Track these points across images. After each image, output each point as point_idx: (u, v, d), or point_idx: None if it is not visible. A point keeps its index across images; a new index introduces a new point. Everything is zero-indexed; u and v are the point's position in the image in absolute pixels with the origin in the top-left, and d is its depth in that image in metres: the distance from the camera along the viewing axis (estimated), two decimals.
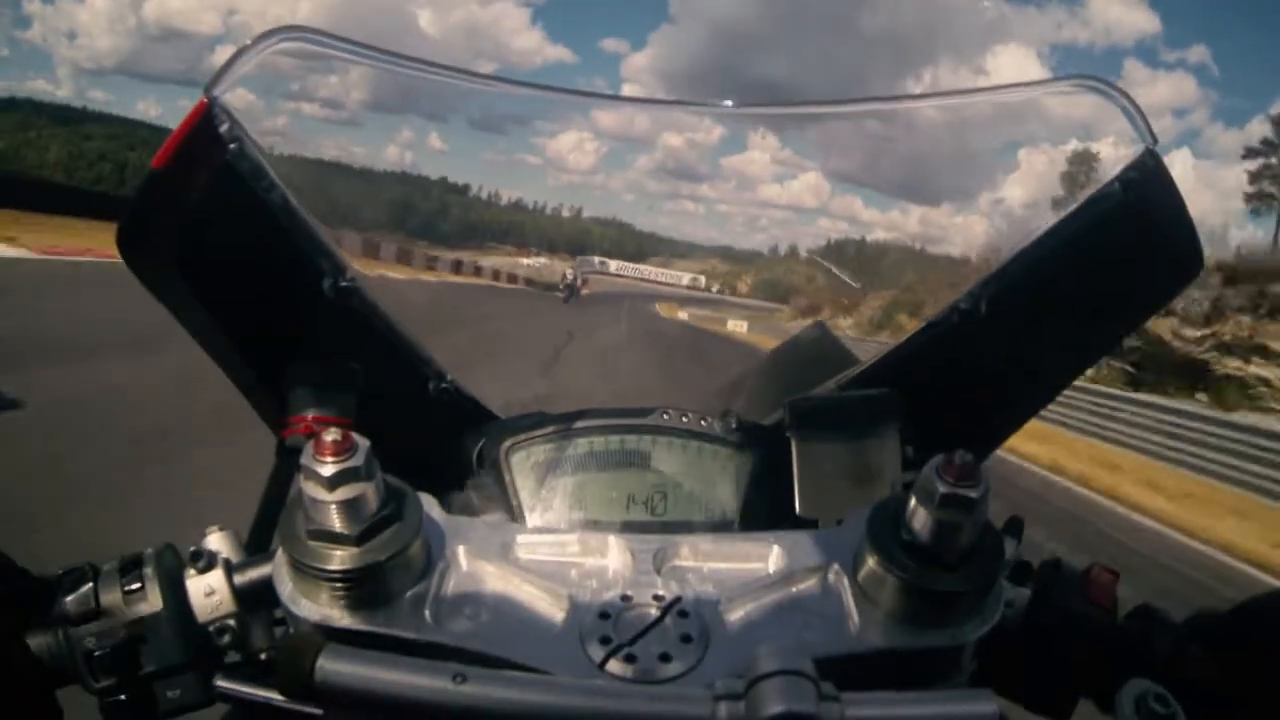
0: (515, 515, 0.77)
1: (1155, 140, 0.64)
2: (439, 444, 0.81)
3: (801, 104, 0.79)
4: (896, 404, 0.69)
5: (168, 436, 4.73)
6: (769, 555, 0.53)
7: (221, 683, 0.51)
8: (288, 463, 0.66)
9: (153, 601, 0.52)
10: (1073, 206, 0.68)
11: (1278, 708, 0.51)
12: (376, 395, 0.71)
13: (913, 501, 0.47)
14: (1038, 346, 0.77)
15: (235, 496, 0.73)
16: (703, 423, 0.82)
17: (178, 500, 3.52)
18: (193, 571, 0.54)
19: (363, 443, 0.47)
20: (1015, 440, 0.82)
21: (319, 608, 0.47)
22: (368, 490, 0.46)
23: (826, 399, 0.69)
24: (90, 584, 0.52)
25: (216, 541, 0.57)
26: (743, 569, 0.52)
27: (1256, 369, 16.27)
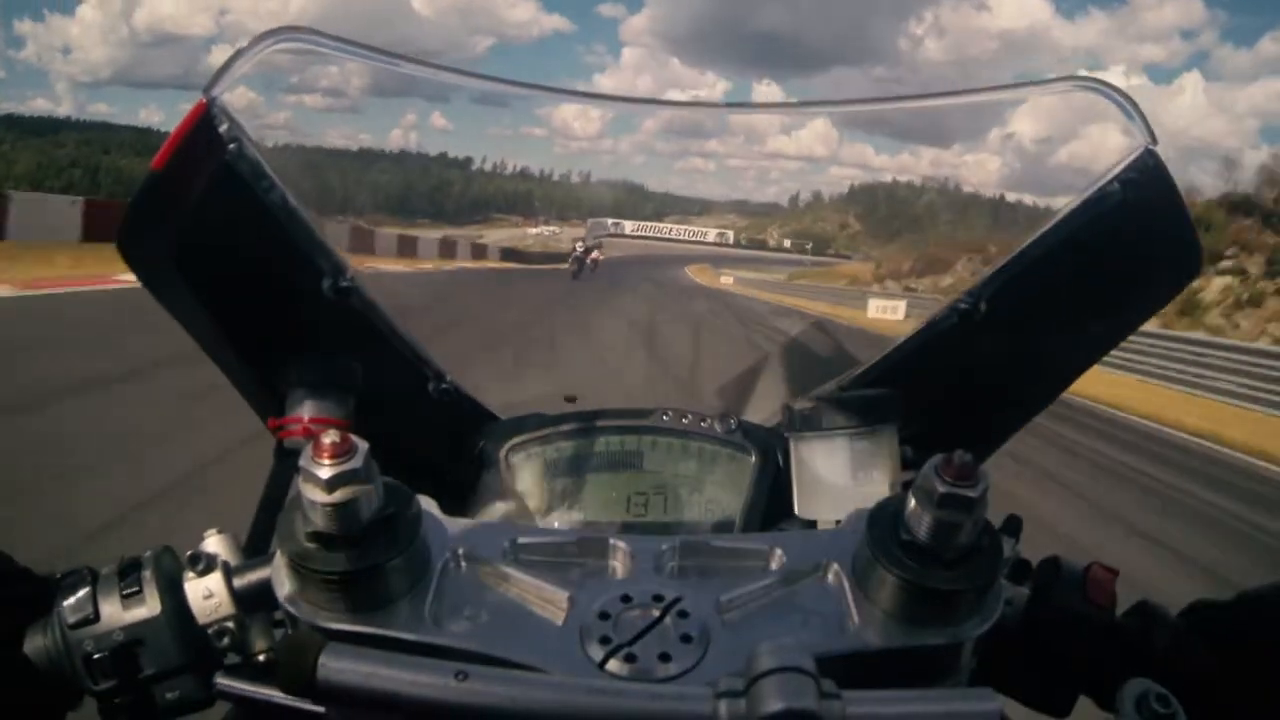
0: (515, 516, 0.77)
1: (1154, 140, 0.65)
2: (439, 445, 0.81)
3: (802, 103, 0.79)
4: (896, 404, 0.70)
5: None
6: (769, 555, 0.53)
7: (222, 681, 0.51)
8: (286, 465, 0.66)
9: (151, 605, 0.52)
10: (1072, 206, 0.69)
11: (1278, 705, 0.51)
12: (376, 396, 0.71)
13: (912, 501, 0.47)
14: (1037, 346, 0.77)
15: None
16: (702, 423, 0.82)
17: None
18: (191, 574, 0.54)
19: (361, 445, 0.47)
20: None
21: (318, 609, 0.47)
22: (367, 492, 0.46)
23: (826, 399, 0.69)
24: (88, 588, 0.52)
25: (215, 544, 0.57)
26: (743, 569, 0.53)
27: None
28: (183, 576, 0.54)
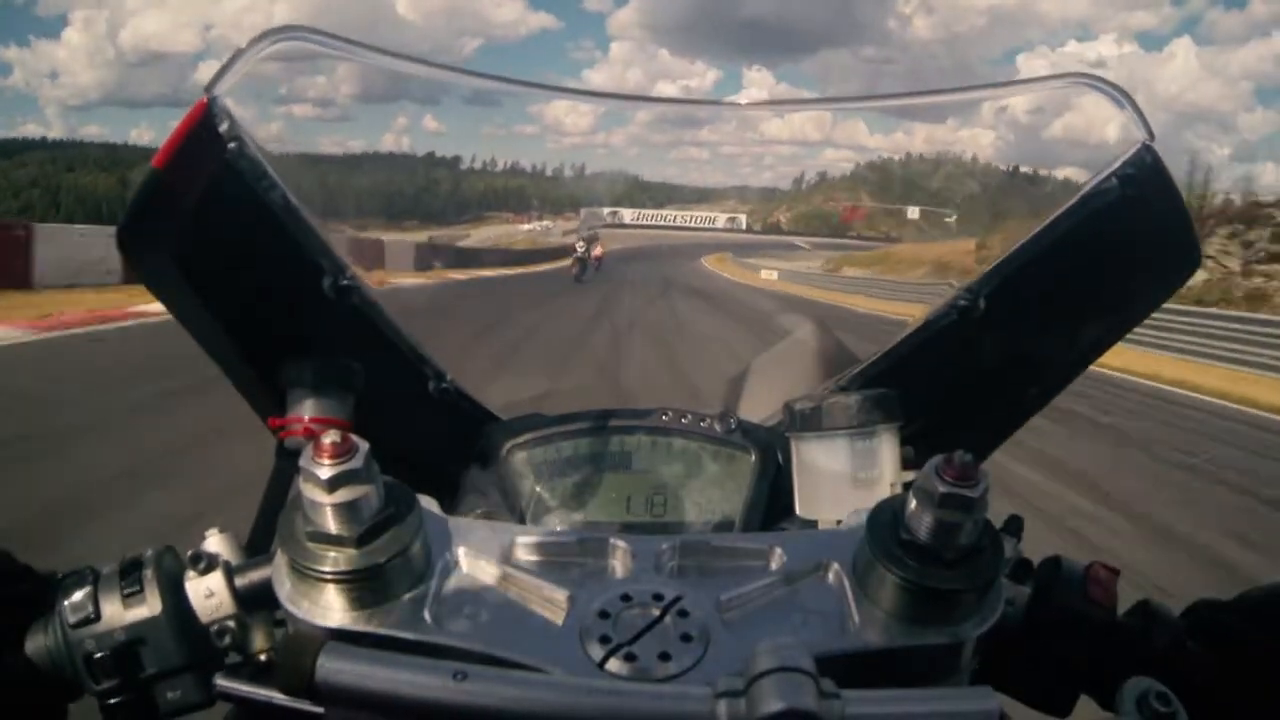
0: (515, 516, 0.77)
1: (1152, 136, 0.65)
2: (439, 445, 0.81)
3: (802, 102, 0.80)
4: (896, 404, 0.70)
5: None
6: (769, 555, 0.53)
7: (222, 682, 0.51)
8: (287, 464, 0.66)
9: (152, 604, 0.52)
10: (1070, 202, 0.69)
11: (1278, 705, 0.51)
12: (376, 395, 0.71)
13: (912, 501, 0.47)
14: (1037, 343, 0.77)
15: None
16: (702, 423, 0.82)
17: None
18: (192, 574, 0.54)
19: (362, 444, 0.47)
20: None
21: (319, 609, 0.47)
22: (367, 492, 0.46)
23: (826, 399, 0.69)
24: (90, 587, 0.52)
25: (215, 544, 0.57)
26: (743, 569, 0.53)
27: None
28: (184, 576, 0.54)
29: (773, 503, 0.77)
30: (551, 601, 0.49)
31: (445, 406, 0.82)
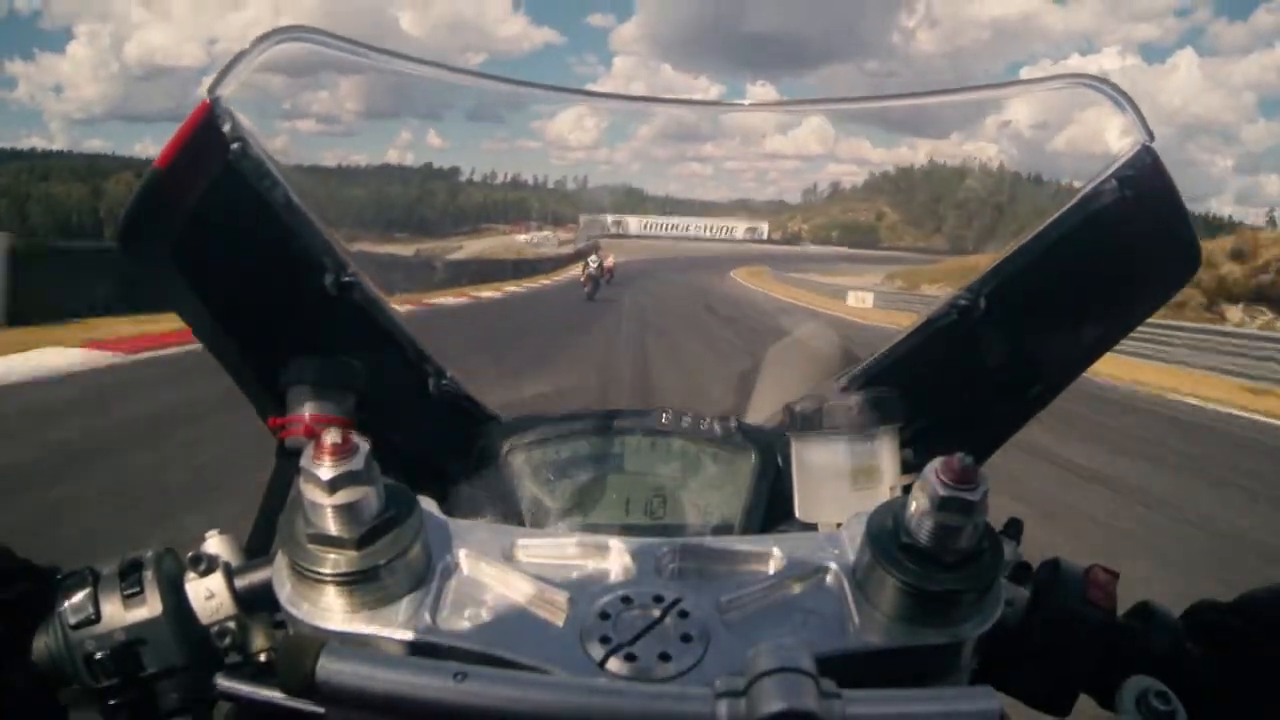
0: (515, 517, 0.77)
1: (1152, 136, 0.65)
2: (439, 445, 0.81)
3: (800, 102, 0.80)
4: (896, 405, 0.70)
5: None
6: (769, 557, 0.53)
7: (222, 682, 0.51)
8: (287, 465, 0.66)
9: (152, 605, 0.52)
10: (1070, 203, 0.69)
11: (1278, 705, 0.51)
12: (377, 394, 0.72)
13: (912, 504, 0.47)
14: (1037, 344, 0.77)
15: None
16: (702, 425, 0.82)
17: None
18: (192, 575, 0.54)
19: (363, 445, 0.47)
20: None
21: (319, 610, 0.47)
22: (367, 493, 0.46)
23: (826, 400, 0.69)
24: (90, 588, 0.52)
25: (216, 545, 0.57)
26: (743, 570, 0.53)
27: None
28: (184, 577, 0.54)
29: (773, 504, 0.77)
30: (551, 603, 0.49)
31: (446, 406, 0.82)
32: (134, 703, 0.52)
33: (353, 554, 0.46)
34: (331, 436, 0.46)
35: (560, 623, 0.48)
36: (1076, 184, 0.70)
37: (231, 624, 0.53)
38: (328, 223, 0.70)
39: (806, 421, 0.70)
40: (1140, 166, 0.65)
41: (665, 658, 0.45)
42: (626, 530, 0.78)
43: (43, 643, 0.51)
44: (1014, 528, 0.62)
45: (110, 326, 10.56)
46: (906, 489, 0.50)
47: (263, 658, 0.54)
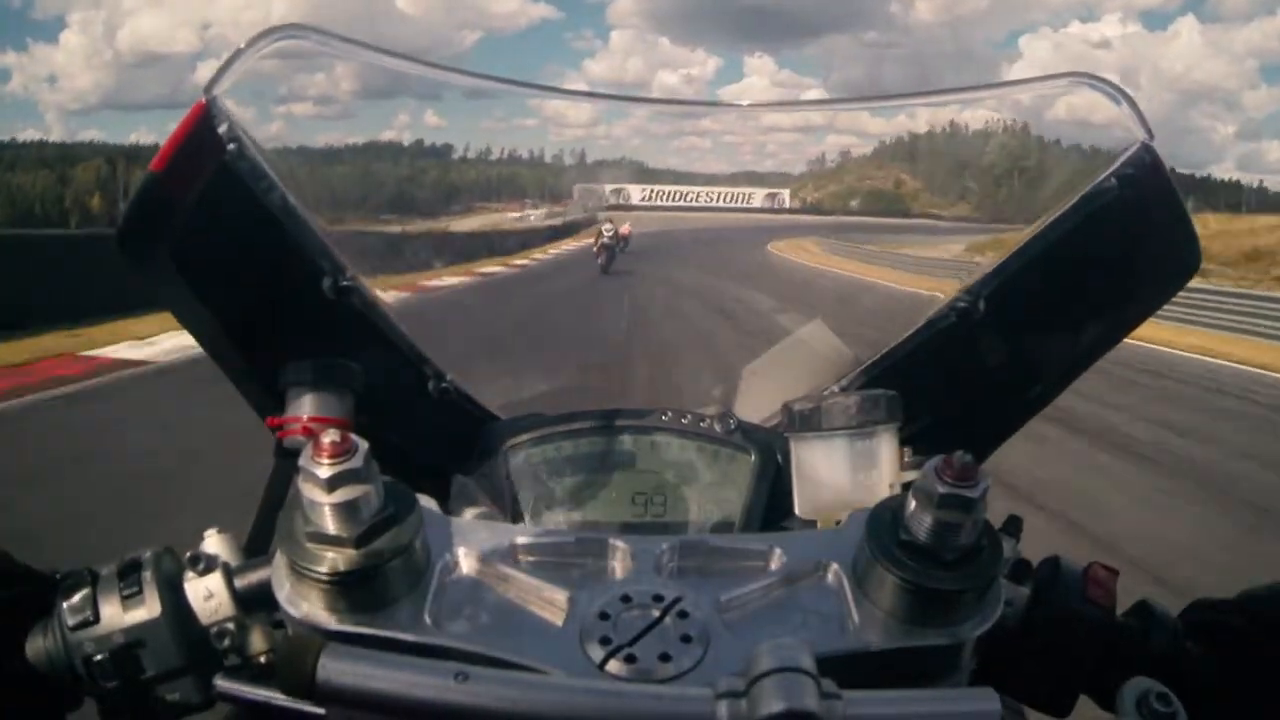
0: (515, 516, 0.77)
1: (1151, 135, 0.65)
2: (439, 445, 0.81)
3: (800, 102, 0.80)
4: (896, 404, 0.70)
5: None
6: (769, 556, 0.53)
7: (221, 683, 0.51)
8: (286, 464, 0.66)
9: (151, 606, 0.52)
10: (1070, 202, 0.69)
11: (1278, 705, 0.51)
12: (376, 395, 0.71)
13: (912, 502, 0.47)
14: (1037, 344, 0.77)
15: None
16: (702, 423, 0.82)
17: None
18: (191, 575, 0.54)
19: (361, 444, 0.47)
20: None
21: (318, 610, 0.47)
22: (366, 492, 0.46)
23: (826, 399, 0.69)
24: (88, 589, 0.52)
25: (214, 544, 0.57)
26: (743, 569, 0.53)
27: None
28: (183, 577, 0.54)
29: (772, 503, 0.77)
30: (551, 602, 0.49)
31: (445, 406, 0.82)
32: (133, 705, 0.52)
33: (352, 553, 0.46)
34: (330, 436, 0.46)
35: (560, 622, 0.47)
36: (1076, 183, 0.70)
37: (231, 625, 0.53)
38: (325, 221, 0.70)
39: (806, 420, 0.69)
40: (1140, 165, 0.65)
41: (665, 658, 0.45)
42: (626, 529, 0.77)
43: (41, 644, 0.51)
44: (1013, 525, 0.62)
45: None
46: (906, 486, 0.50)
47: (262, 659, 0.54)
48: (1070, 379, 0.79)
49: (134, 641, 0.51)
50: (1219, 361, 10.18)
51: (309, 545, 0.46)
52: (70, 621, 0.51)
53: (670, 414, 0.83)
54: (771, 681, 0.36)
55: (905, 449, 0.70)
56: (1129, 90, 0.64)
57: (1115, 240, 0.69)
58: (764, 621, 0.49)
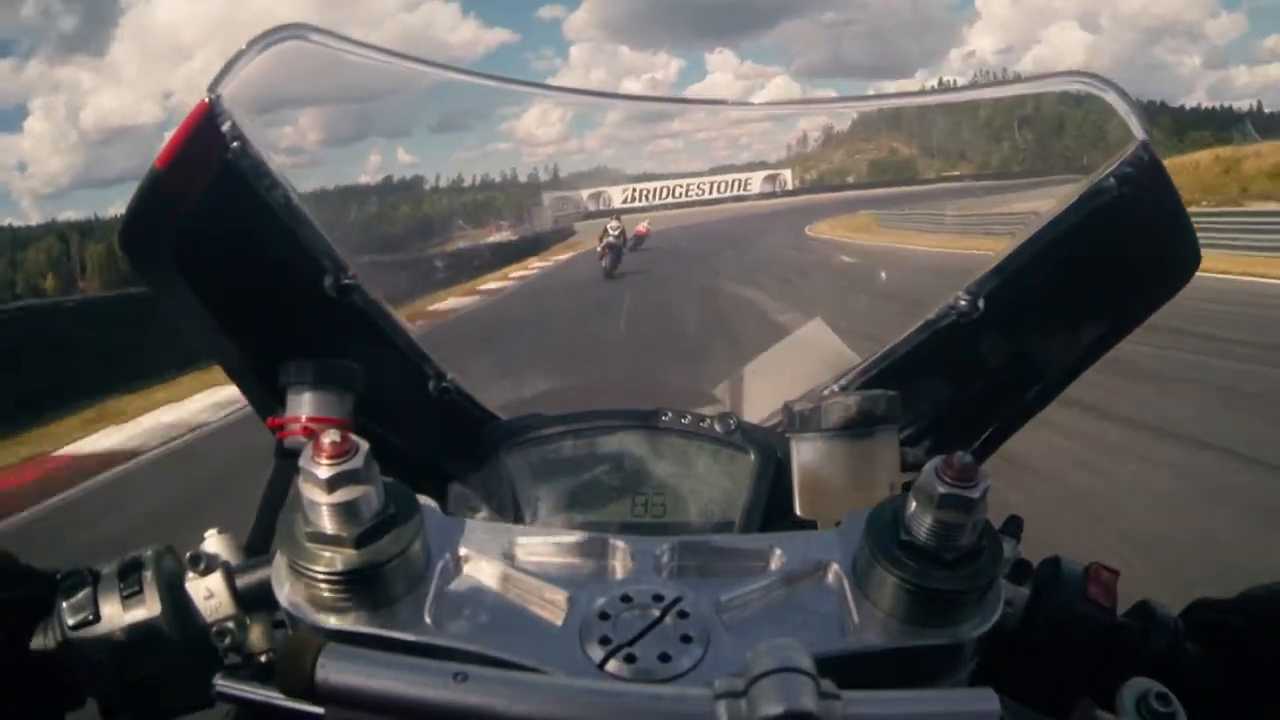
0: (515, 516, 0.77)
1: (1149, 133, 0.65)
2: (439, 445, 0.81)
3: (796, 102, 0.80)
4: (896, 404, 0.69)
5: None
6: (769, 556, 0.53)
7: (221, 683, 0.51)
8: (286, 464, 0.66)
9: (151, 605, 0.52)
10: (1068, 201, 0.69)
11: (1278, 705, 0.51)
12: (376, 395, 0.71)
13: (912, 502, 0.47)
14: (1036, 344, 0.77)
15: None
16: (702, 424, 0.82)
17: None
18: (192, 575, 0.54)
19: (361, 444, 0.47)
20: None
21: (318, 610, 0.47)
22: (366, 492, 0.46)
23: (826, 399, 0.69)
24: (89, 588, 0.52)
25: (215, 544, 0.57)
26: (742, 569, 0.53)
27: None
28: (183, 577, 0.54)
29: (772, 503, 0.77)
30: (551, 602, 0.49)
31: (445, 406, 0.82)
32: (134, 704, 0.52)
33: (351, 553, 0.46)
34: (330, 436, 0.46)
35: (560, 623, 0.47)
36: (1075, 182, 0.70)
37: (231, 624, 0.53)
38: (326, 222, 0.70)
39: (806, 420, 0.69)
40: (1138, 164, 0.65)
41: (665, 658, 0.45)
42: (626, 529, 0.77)
43: (42, 644, 0.51)
44: (1013, 525, 0.62)
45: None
46: (906, 487, 0.50)
47: (262, 658, 0.54)
48: (1071, 378, 0.78)
49: (134, 641, 0.51)
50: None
51: (309, 545, 0.46)
52: (71, 621, 0.51)
53: (670, 414, 0.83)
54: (770, 682, 0.36)
55: (905, 449, 0.70)
56: (1098, 39, 0.63)
57: (1115, 239, 0.69)
58: (764, 622, 0.49)
